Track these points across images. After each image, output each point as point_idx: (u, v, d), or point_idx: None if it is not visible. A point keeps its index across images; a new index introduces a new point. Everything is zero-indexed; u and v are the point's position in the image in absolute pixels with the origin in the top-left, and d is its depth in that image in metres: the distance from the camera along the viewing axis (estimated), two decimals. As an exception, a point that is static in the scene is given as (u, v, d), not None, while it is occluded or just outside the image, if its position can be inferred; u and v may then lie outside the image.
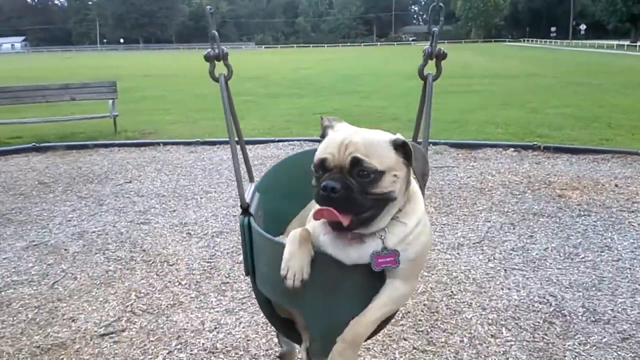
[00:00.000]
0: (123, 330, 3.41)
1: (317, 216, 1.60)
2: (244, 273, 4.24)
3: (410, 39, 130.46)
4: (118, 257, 4.50)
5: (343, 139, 1.61)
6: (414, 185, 1.74)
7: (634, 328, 3.28)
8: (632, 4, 74.78)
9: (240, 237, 1.97)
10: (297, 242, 1.67)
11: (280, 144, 8.85)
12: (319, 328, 1.76)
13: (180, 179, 6.94)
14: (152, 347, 3.24)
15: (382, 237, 1.64)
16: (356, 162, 1.56)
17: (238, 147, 1.96)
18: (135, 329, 3.43)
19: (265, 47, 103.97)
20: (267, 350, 3.19)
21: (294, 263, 1.63)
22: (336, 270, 1.63)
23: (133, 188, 6.55)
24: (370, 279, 1.68)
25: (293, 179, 2.10)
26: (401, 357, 3.10)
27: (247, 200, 1.92)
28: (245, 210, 1.85)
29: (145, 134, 10.62)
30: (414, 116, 2.08)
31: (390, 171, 1.59)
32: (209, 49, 2.02)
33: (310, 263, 1.64)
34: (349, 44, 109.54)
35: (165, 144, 9.19)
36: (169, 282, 4.07)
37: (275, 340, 3.27)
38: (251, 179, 2.23)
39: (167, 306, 3.72)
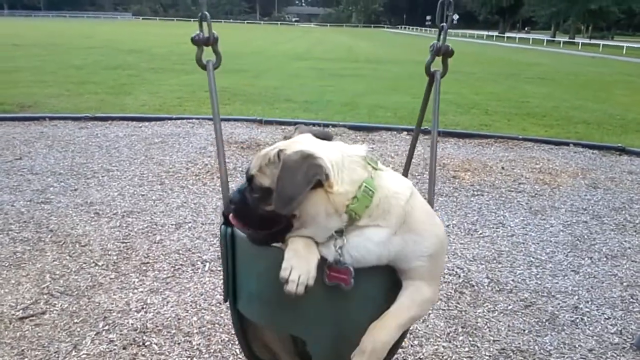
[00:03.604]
0: (43, 313, 3.27)
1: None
2: (163, 253, 4.20)
3: (294, 19, 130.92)
4: (24, 237, 4.25)
5: (262, 153, 1.51)
6: (387, 186, 1.52)
7: (534, 296, 3.68)
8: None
9: (220, 250, 1.66)
10: (301, 241, 1.43)
11: (179, 121, 8.65)
12: (324, 350, 1.52)
13: (76, 156, 6.60)
14: (78, 329, 3.15)
15: (338, 249, 1.42)
16: (250, 178, 1.48)
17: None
18: (56, 311, 3.31)
19: (143, 19, 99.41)
20: (200, 327, 3.22)
21: (299, 263, 1.37)
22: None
23: (25, 165, 6.13)
24: (383, 287, 1.49)
25: None
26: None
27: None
28: (227, 218, 1.56)
29: (25, 108, 9.88)
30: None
31: None
32: (198, 32, 1.77)
33: (316, 267, 1.39)
34: (231, 20, 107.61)
35: (51, 118, 8.63)
36: (84, 263, 3.92)
37: (207, 317, 3.31)
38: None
39: (86, 287, 3.60)
